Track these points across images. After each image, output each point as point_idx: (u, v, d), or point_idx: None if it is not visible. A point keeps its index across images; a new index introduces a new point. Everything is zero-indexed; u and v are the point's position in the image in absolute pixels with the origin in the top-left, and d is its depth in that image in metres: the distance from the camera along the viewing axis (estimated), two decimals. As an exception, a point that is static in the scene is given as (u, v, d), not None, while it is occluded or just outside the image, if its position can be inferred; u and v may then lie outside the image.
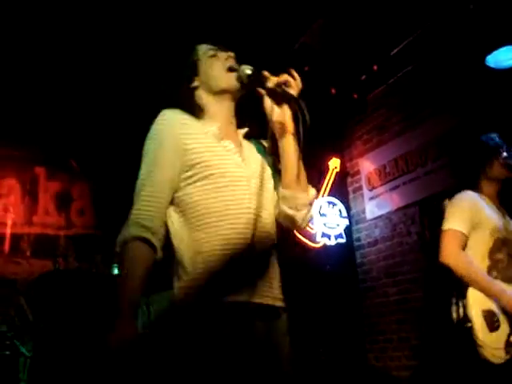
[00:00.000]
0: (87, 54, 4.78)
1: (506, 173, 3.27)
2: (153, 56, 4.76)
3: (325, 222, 6.00)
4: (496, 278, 3.07)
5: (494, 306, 2.99)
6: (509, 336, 2.96)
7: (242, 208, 2.02)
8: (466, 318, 2.97)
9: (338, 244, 6.03)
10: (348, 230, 6.18)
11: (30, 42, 4.60)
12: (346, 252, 6.15)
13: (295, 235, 5.87)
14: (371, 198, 6.04)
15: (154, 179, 2.01)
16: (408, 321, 5.43)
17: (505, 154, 3.26)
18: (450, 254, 3.04)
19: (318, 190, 6.13)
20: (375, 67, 5.49)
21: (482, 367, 2.88)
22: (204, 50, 2.26)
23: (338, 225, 6.09)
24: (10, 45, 4.60)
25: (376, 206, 5.96)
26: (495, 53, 4.51)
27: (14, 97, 4.93)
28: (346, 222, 6.16)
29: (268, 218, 2.13)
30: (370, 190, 6.05)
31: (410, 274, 5.47)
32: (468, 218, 3.09)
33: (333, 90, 5.69)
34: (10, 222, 5.07)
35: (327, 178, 6.20)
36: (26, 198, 5.21)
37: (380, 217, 5.90)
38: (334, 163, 6.29)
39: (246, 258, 1.95)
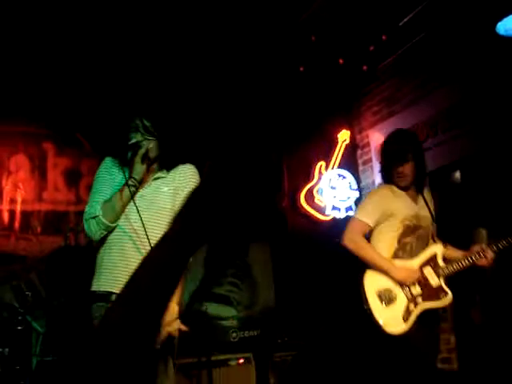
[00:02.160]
0: (93, 30, 4.73)
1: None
2: (156, 32, 4.72)
3: (335, 195, 5.98)
4: (402, 257, 3.53)
5: (389, 283, 3.45)
6: (407, 306, 3.39)
7: None
8: (364, 302, 3.42)
9: (348, 217, 6.01)
10: (358, 203, 6.15)
11: (37, 18, 4.56)
12: (356, 224, 6.13)
13: (305, 208, 5.86)
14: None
15: None
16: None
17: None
18: (350, 239, 3.57)
19: (328, 163, 6.09)
20: (384, 37, 5.41)
21: (387, 341, 3.33)
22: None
23: (348, 197, 6.07)
24: (16, 20, 4.56)
25: (386, 177, 5.91)
26: (506, 20, 4.42)
27: (21, 72, 4.90)
28: (356, 194, 6.13)
29: None
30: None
31: (420, 246, 5.44)
32: (377, 211, 3.57)
33: (341, 61, 5.62)
34: (19, 199, 5.09)
35: (337, 150, 6.16)
36: (35, 175, 5.21)
37: (390, 189, 5.85)
38: (344, 135, 6.23)
39: None
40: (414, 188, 3.70)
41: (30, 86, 4.93)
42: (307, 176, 5.99)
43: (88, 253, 2.95)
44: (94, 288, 2.72)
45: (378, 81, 6.08)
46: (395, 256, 3.54)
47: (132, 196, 2.66)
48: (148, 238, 2.58)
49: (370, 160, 6.16)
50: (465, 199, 5.36)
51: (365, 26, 5.23)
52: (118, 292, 2.44)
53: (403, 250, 3.55)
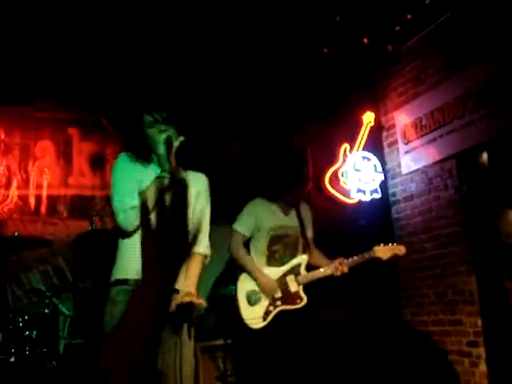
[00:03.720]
0: (118, 17, 4.73)
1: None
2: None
3: (360, 178, 5.92)
4: (273, 264, 4.20)
5: (256, 287, 4.14)
6: (267, 307, 4.08)
7: None
8: (234, 300, 4.13)
9: (373, 199, 5.96)
10: (383, 185, 6.10)
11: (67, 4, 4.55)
12: (381, 207, 6.08)
13: (330, 191, 5.82)
14: (407, 152, 5.93)
15: None
16: (445, 275, 5.38)
17: None
18: (233, 248, 4.22)
19: (353, 145, 6.03)
20: (409, 17, 5.31)
21: (246, 332, 4.08)
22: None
23: (373, 180, 6.01)
24: (46, 7, 4.55)
25: (412, 160, 5.84)
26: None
27: (47, 58, 4.91)
28: (381, 176, 6.07)
29: None
30: (406, 144, 5.93)
31: (446, 229, 5.38)
32: (251, 223, 4.22)
33: (366, 41, 5.54)
34: (46, 184, 5.14)
35: (361, 132, 6.09)
36: (60, 160, 5.26)
37: (416, 171, 5.79)
38: (369, 117, 6.16)
39: None
40: (293, 201, 4.30)
41: (55, 71, 4.95)
42: (332, 159, 5.94)
43: (114, 236, 2.96)
44: (119, 276, 2.80)
45: (403, 61, 5.99)
46: (268, 263, 4.20)
47: (164, 189, 2.71)
48: None
49: (396, 142, 6.09)
50: (492, 182, 5.28)
51: (390, 5, 5.14)
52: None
53: (273, 257, 4.22)
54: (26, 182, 5.13)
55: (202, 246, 2.94)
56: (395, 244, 4.28)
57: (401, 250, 4.23)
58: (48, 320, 4.04)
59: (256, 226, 4.21)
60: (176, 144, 2.76)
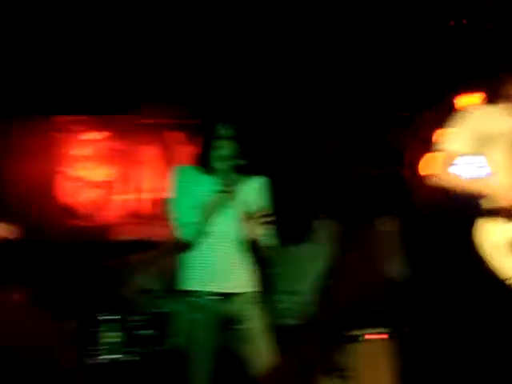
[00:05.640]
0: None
1: None
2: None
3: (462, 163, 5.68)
4: None
5: None
6: None
7: None
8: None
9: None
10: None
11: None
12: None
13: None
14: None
15: None
16: None
17: None
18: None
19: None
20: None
21: None
22: None
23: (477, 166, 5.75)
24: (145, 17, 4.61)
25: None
26: None
27: (148, 67, 5.00)
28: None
29: None
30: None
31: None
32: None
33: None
34: (150, 188, 5.28)
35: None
36: (163, 164, 5.38)
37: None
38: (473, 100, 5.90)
39: None
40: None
41: (157, 78, 5.04)
42: (431, 144, 5.73)
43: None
44: (182, 287, 2.91)
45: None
46: None
47: (226, 203, 2.82)
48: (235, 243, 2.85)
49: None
50: None
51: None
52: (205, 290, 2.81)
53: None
54: (131, 187, 5.29)
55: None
56: None
57: None
58: (163, 319, 4.15)
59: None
60: (241, 162, 2.84)
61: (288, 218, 4.06)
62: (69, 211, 5.23)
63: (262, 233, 2.81)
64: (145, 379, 3.84)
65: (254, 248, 2.89)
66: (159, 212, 5.23)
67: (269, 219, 2.78)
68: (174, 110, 5.25)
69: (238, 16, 4.62)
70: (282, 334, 3.00)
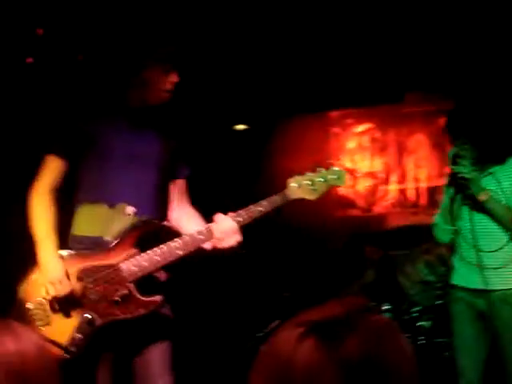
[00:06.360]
0: None
1: None
2: None
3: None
4: None
5: None
6: None
7: None
8: None
9: None
10: None
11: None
12: None
13: None
14: None
15: None
16: None
17: None
18: None
19: None
20: None
21: None
22: None
23: None
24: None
25: None
26: None
27: (412, 55, 4.92)
28: None
29: None
30: None
31: None
32: None
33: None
34: (423, 176, 5.22)
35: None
36: (435, 151, 5.28)
37: None
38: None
39: None
40: None
41: (421, 66, 4.94)
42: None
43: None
44: (456, 282, 2.96)
45: None
46: None
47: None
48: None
49: None
50: None
51: None
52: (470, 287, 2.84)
53: None
54: (403, 177, 5.29)
55: None
56: None
57: None
58: (441, 310, 4.08)
59: None
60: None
61: None
62: (344, 202, 5.43)
63: None
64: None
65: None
66: (434, 200, 5.16)
67: None
68: (440, 96, 5.11)
69: None
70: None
